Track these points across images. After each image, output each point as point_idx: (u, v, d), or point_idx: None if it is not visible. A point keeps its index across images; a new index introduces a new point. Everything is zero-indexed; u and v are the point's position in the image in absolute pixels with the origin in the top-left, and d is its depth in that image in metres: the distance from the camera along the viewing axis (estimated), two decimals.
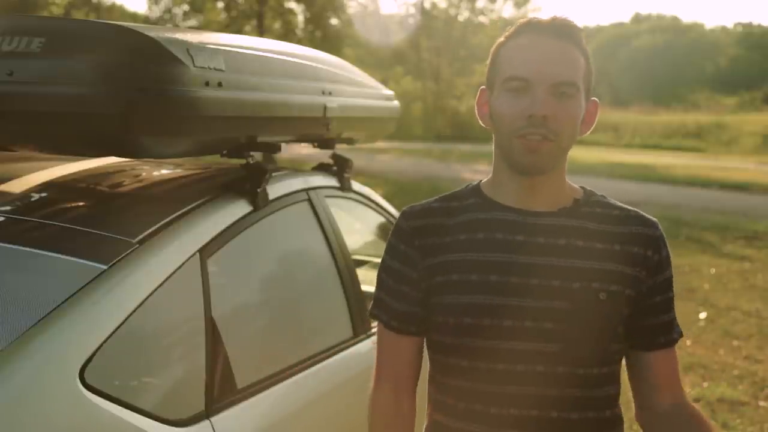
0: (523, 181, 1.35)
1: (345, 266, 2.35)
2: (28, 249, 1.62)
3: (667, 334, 1.41)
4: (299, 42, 17.39)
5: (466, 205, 1.41)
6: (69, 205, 1.92)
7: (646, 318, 1.39)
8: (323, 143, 2.53)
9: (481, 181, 1.46)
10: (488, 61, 1.39)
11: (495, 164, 1.40)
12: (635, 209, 1.42)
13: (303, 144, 2.58)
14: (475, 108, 1.43)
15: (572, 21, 1.33)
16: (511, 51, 1.33)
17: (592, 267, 1.33)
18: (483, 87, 1.41)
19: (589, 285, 1.32)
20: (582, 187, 1.44)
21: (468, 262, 1.35)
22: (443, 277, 1.36)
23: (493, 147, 1.39)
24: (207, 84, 1.71)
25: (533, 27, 1.33)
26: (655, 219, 1.41)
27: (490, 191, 1.41)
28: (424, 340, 1.45)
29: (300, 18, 23.43)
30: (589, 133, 1.41)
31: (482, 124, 1.42)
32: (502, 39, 1.37)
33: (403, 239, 1.42)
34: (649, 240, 1.37)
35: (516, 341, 1.31)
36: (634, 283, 1.35)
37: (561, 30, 1.31)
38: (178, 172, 2.29)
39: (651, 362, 1.41)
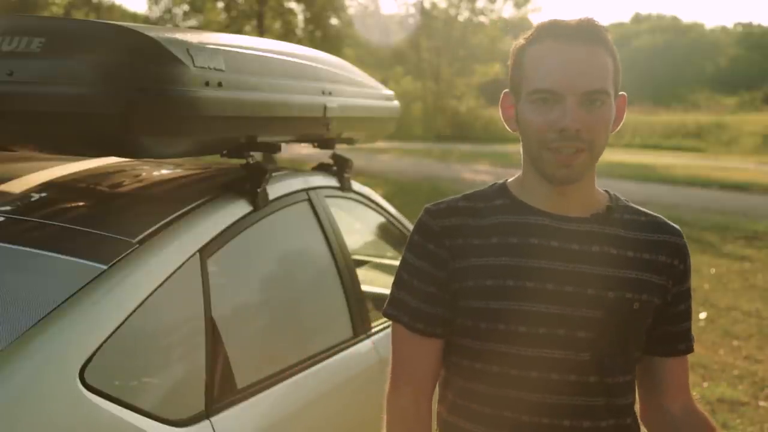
0: (554, 187, 1.33)
1: (345, 266, 2.35)
2: (28, 249, 1.62)
3: (687, 341, 1.43)
4: (299, 42, 17.39)
5: (494, 206, 1.37)
6: (69, 205, 1.92)
7: (669, 326, 1.40)
8: (323, 143, 2.53)
9: (506, 180, 1.42)
10: (510, 63, 1.35)
11: (525, 166, 1.37)
12: (660, 216, 1.41)
13: (303, 144, 2.58)
14: (500, 110, 1.38)
15: (597, 22, 1.28)
16: (536, 58, 1.27)
17: (625, 276, 1.31)
18: (506, 91, 1.37)
19: (623, 295, 1.31)
20: (606, 191, 1.42)
21: (503, 267, 1.31)
22: (475, 282, 1.32)
23: (521, 149, 1.36)
24: (207, 84, 1.71)
25: (558, 31, 1.27)
26: (678, 227, 1.41)
27: (519, 192, 1.37)
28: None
29: (300, 18, 23.44)
30: (618, 128, 1.37)
31: (508, 128, 1.38)
32: (522, 42, 1.32)
33: (431, 238, 1.36)
34: (676, 249, 1.37)
35: (548, 349, 1.29)
36: (661, 292, 1.35)
37: (587, 34, 1.26)
38: (178, 172, 2.29)
39: (667, 368, 1.43)
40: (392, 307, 1.40)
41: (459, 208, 1.38)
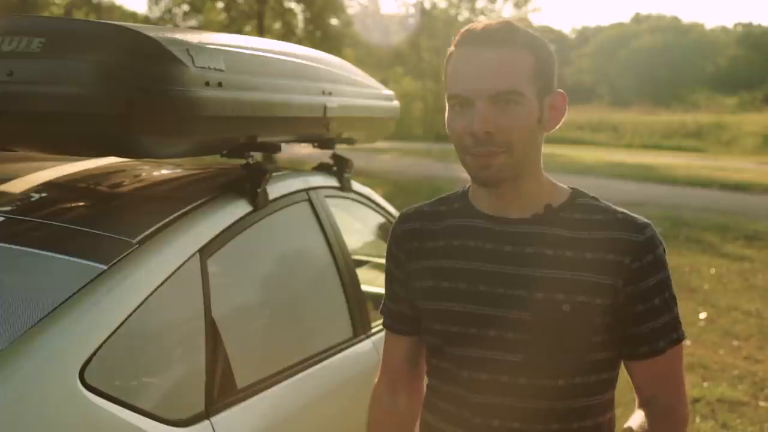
0: (491, 189, 1.33)
1: (345, 266, 2.35)
2: (28, 249, 1.62)
3: (650, 343, 1.32)
4: (299, 42, 17.38)
5: (452, 209, 1.42)
6: (69, 205, 1.92)
7: (628, 327, 1.32)
8: (323, 143, 2.53)
9: (470, 185, 1.44)
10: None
11: None
12: (625, 212, 1.33)
13: (303, 144, 2.58)
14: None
15: (509, 22, 1.28)
16: (452, 66, 1.30)
17: (557, 277, 1.28)
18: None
19: (553, 296, 1.27)
20: (573, 189, 1.38)
21: (443, 270, 1.36)
22: (420, 283, 1.40)
23: None
24: (207, 84, 1.71)
25: (468, 38, 1.28)
26: (646, 221, 1.32)
27: (472, 196, 1.41)
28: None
29: (300, 18, 23.44)
30: (558, 128, 1.34)
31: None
32: (451, 48, 1.33)
33: (394, 241, 1.47)
34: (628, 246, 1.28)
35: (482, 350, 1.32)
36: (607, 293, 1.28)
37: (497, 36, 1.26)
38: (178, 172, 2.29)
39: (634, 372, 1.36)
40: (381, 305, 1.55)
41: (423, 212, 1.45)
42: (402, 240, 1.45)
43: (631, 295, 1.29)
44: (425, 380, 1.51)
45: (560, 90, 1.34)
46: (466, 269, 1.34)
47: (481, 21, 1.34)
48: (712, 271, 7.71)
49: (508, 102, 1.25)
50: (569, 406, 1.32)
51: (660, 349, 1.33)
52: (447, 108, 1.32)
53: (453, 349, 1.35)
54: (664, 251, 1.33)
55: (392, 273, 1.48)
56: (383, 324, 1.54)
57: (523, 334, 1.29)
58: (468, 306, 1.33)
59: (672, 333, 1.34)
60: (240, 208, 1.95)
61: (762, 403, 4.36)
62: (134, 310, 1.54)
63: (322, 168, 2.59)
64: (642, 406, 1.37)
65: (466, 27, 1.31)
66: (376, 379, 1.56)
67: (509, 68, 1.25)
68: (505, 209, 1.35)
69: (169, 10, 23.97)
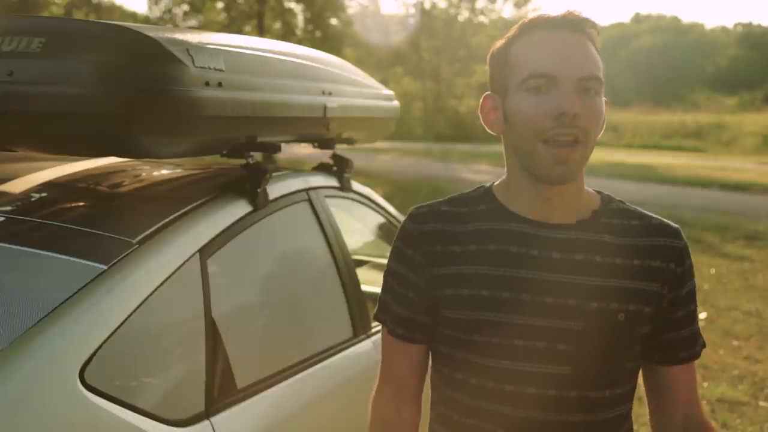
0: (543, 190, 1.26)
1: (345, 266, 2.35)
2: (28, 249, 1.62)
3: (689, 348, 1.33)
4: (299, 42, 17.39)
5: (477, 211, 1.32)
6: (69, 205, 1.92)
7: (668, 333, 1.31)
8: (323, 143, 2.53)
9: (493, 183, 1.36)
10: (492, 65, 1.30)
11: (510, 169, 1.31)
12: (657, 217, 1.33)
13: (303, 144, 2.58)
14: (480, 116, 1.32)
15: (587, 16, 1.25)
16: (527, 49, 1.23)
17: (610, 285, 1.24)
18: (487, 93, 1.31)
19: (608, 305, 1.23)
20: (599, 193, 1.35)
21: (479, 277, 1.26)
22: (452, 290, 1.28)
23: (503, 151, 1.31)
24: (207, 84, 1.70)
25: (546, 22, 1.23)
26: (677, 226, 1.32)
27: (503, 197, 1.32)
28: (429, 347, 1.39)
29: (300, 18, 23.44)
30: (602, 132, 1.30)
31: (491, 132, 1.30)
32: (504, 41, 1.28)
33: (410, 243, 1.33)
34: (672, 252, 1.28)
35: (526, 362, 1.24)
36: (654, 300, 1.27)
37: (577, 23, 1.22)
38: (178, 172, 2.29)
39: (670, 378, 1.34)
40: (379, 310, 1.41)
41: (441, 212, 1.34)
42: (420, 242, 1.32)
43: (674, 301, 1.29)
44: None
45: (604, 97, 1.31)
46: (510, 277, 1.25)
47: (544, 14, 1.27)
48: (712, 271, 7.71)
49: (589, 90, 1.20)
50: (609, 416, 1.29)
51: (696, 354, 1.35)
52: (509, 96, 1.24)
53: (494, 362, 1.25)
54: None
55: (405, 277, 1.34)
56: (388, 332, 1.39)
57: (574, 345, 1.23)
58: (512, 316, 1.24)
59: (700, 338, 1.36)
60: (240, 208, 1.95)
61: (762, 403, 4.36)
62: (134, 310, 1.54)
63: (322, 168, 2.59)
64: (670, 426, 1.37)
65: (538, 14, 1.26)
66: (375, 390, 1.43)
67: (594, 54, 1.23)
68: (549, 214, 1.27)
69: (169, 10, 23.96)
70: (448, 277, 1.29)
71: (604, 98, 1.27)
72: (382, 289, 1.40)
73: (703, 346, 1.37)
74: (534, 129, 1.21)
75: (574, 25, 1.23)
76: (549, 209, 1.27)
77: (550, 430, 1.25)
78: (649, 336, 1.30)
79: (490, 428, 1.27)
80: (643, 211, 1.34)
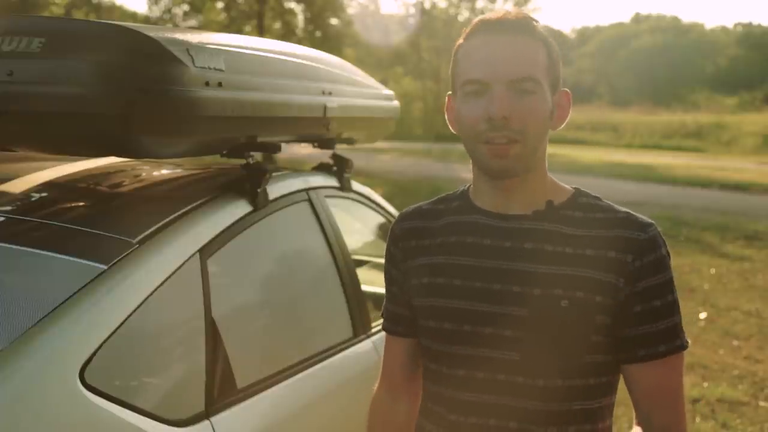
0: (497, 184, 1.31)
1: (345, 266, 2.35)
2: (28, 249, 1.62)
3: (649, 346, 1.27)
4: (299, 42, 17.38)
5: (451, 208, 1.40)
6: (69, 205, 1.92)
7: (626, 328, 1.27)
8: (323, 143, 2.53)
9: (471, 184, 1.42)
10: (450, 64, 1.36)
11: (473, 166, 1.36)
12: (628, 211, 1.31)
13: (303, 144, 2.58)
14: (445, 114, 1.38)
15: (526, 14, 1.29)
16: (466, 54, 1.29)
17: (556, 273, 1.25)
18: (449, 93, 1.37)
19: (551, 292, 1.25)
20: (575, 189, 1.36)
21: (439, 266, 1.34)
22: (417, 280, 1.38)
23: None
24: (207, 84, 1.71)
25: (485, 26, 1.28)
26: (649, 221, 1.30)
27: (473, 194, 1.39)
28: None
29: (300, 18, 23.45)
30: (563, 127, 1.34)
31: (452, 130, 1.37)
32: (460, 40, 1.33)
33: (392, 241, 1.46)
34: (630, 244, 1.26)
35: (477, 348, 1.28)
36: (608, 290, 1.25)
37: (513, 25, 1.26)
38: (178, 172, 2.29)
39: (633, 378, 1.30)
40: (383, 308, 1.53)
41: (423, 211, 1.44)
42: (400, 239, 1.43)
43: (631, 294, 1.26)
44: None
45: (566, 89, 1.34)
46: (462, 265, 1.32)
47: (495, 12, 1.33)
48: (712, 271, 7.71)
49: (525, 90, 1.24)
50: (567, 408, 1.28)
51: (659, 353, 1.28)
52: (455, 98, 1.31)
53: (447, 347, 1.32)
54: (668, 254, 1.30)
55: (390, 273, 1.47)
56: (382, 327, 1.53)
57: (521, 331, 1.26)
58: (463, 302, 1.30)
59: (675, 339, 1.29)
60: (240, 208, 1.95)
61: (762, 403, 4.36)
62: (134, 310, 1.54)
63: (322, 168, 2.59)
64: (639, 424, 1.33)
65: (480, 18, 1.31)
66: (377, 385, 1.54)
67: (528, 55, 1.25)
68: (506, 206, 1.32)
69: (169, 10, 23.98)
70: (417, 268, 1.39)
71: (564, 90, 1.32)
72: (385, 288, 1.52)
73: (680, 348, 1.29)
74: (472, 131, 1.27)
75: (510, 26, 1.26)
76: (506, 201, 1.33)
77: (506, 415, 1.28)
78: (612, 331, 1.27)
79: (443, 411, 1.33)
80: (615, 206, 1.33)
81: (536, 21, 1.29)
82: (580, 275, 1.25)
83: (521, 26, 1.27)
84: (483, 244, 1.32)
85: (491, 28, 1.27)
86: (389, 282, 1.48)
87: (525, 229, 1.30)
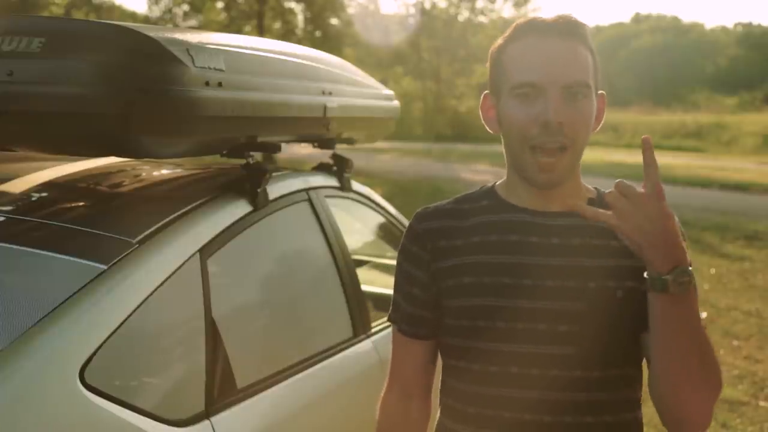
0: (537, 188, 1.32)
1: (345, 266, 2.35)
2: (28, 249, 1.62)
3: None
4: (299, 42, 17.38)
5: (479, 207, 1.38)
6: (69, 205, 1.92)
7: None
8: (323, 143, 2.53)
9: (495, 183, 1.43)
10: (489, 65, 1.35)
11: (508, 168, 1.37)
12: None
13: (303, 144, 2.58)
14: (480, 113, 1.38)
15: (576, 18, 1.29)
16: (517, 54, 1.28)
17: (607, 265, 1.29)
18: (486, 92, 1.37)
19: (605, 283, 1.28)
20: (596, 188, 1.41)
21: (481, 265, 1.32)
22: (455, 280, 1.34)
23: (503, 149, 1.35)
24: (207, 84, 1.71)
25: (537, 27, 1.27)
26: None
27: (504, 193, 1.38)
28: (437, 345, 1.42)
29: (300, 18, 23.46)
30: (598, 129, 1.36)
31: (489, 130, 1.37)
32: (501, 42, 1.32)
33: (415, 241, 1.40)
34: None
35: (530, 344, 1.28)
36: None
37: (566, 29, 1.26)
38: (178, 172, 2.29)
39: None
40: (392, 310, 1.47)
41: (446, 210, 1.41)
42: (425, 239, 1.38)
43: None
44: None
45: (602, 91, 1.34)
46: (510, 263, 1.30)
47: (539, 15, 1.32)
48: (712, 271, 7.71)
49: (577, 94, 1.24)
50: (614, 398, 1.30)
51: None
52: (497, 98, 1.30)
53: (496, 345, 1.29)
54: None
55: (411, 275, 1.41)
56: (399, 330, 1.45)
57: (576, 325, 1.27)
58: (514, 301, 1.28)
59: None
60: (240, 208, 1.95)
61: (762, 403, 4.36)
62: (134, 310, 1.54)
63: (322, 168, 2.59)
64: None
65: (526, 19, 1.30)
66: (385, 388, 1.48)
67: (580, 60, 1.26)
68: (546, 204, 1.33)
69: (169, 10, 23.98)
70: (451, 268, 1.34)
71: (601, 92, 1.32)
72: (394, 289, 1.47)
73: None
74: (522, 135, 1.27)
75: (563, 30, 1.26)
76: (546, 200, 1.33)
77: (557, 409, 1.28)
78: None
79: (492, 413, 1.30)
80: None
81: (586, 25, 1.29)
82: (628, 265, 1.27)
83: (575, 30, 1.27)
84: (530, 241, 1.31)
85: (544, 30, 1.26)
86: (409, 284, 1.41)
87: (570, 226, 1.31)
